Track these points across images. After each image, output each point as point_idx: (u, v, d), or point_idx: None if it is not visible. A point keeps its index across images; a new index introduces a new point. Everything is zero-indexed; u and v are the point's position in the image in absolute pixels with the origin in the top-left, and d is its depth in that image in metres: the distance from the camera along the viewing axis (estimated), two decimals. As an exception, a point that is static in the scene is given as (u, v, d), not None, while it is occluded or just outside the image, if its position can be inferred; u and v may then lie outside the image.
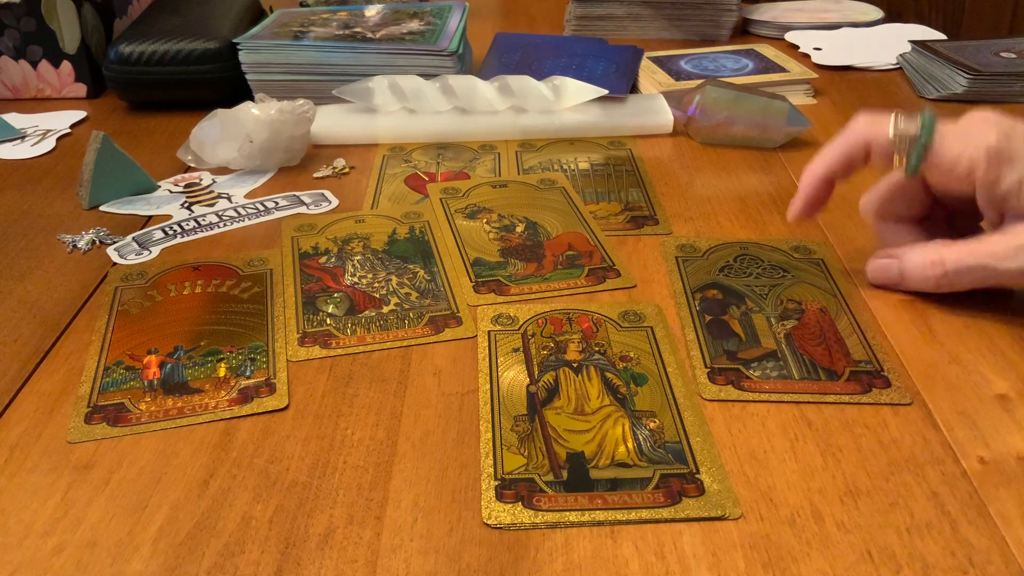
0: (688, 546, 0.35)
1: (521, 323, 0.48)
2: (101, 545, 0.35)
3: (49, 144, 0.75)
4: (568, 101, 0.73)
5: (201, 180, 0.67)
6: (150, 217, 0.62)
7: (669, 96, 0.77)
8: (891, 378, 0.44)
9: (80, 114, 0.81)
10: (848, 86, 0.86)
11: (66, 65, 0.84)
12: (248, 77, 0.78)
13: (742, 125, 0.70)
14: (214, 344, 0.47)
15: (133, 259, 0.56)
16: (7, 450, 0.40)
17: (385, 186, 0.65)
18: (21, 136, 0.76)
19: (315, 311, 0.50)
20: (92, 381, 0.45)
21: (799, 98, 0.81)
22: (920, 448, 0.39)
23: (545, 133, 0.73)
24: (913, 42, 0.89)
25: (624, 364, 0.45)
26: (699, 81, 0.77)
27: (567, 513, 0.36)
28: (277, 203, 0.63)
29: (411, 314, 0.49)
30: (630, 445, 0.39)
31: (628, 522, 0.36)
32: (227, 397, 0.43)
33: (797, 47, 0.95)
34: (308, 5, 1.04)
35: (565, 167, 0.68)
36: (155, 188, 0.66)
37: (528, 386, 0.43)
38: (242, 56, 0.77)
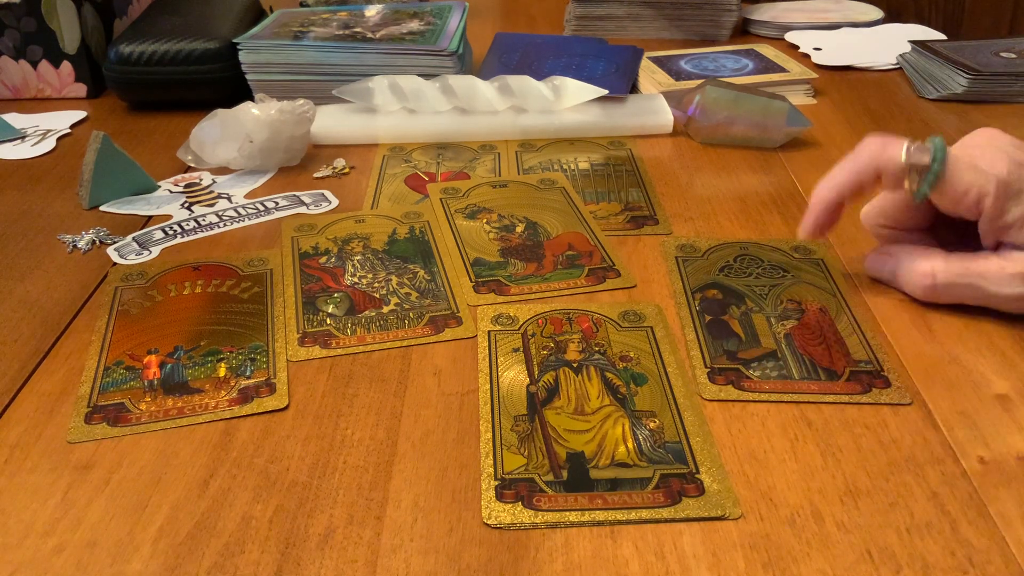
0: (688, 546, 0.35)
1: (521, 323, 0.48)
2: (101, 545, 0.35)
3: (49, 144, 0.75)
4: (568, 101, 0.73)
5: (201, 180, 0.67)
6: (150, 217, 0.62)
7: (669, 96, 0.77)
8: (891, 378, 0.44)
9: (80, 114, 0.81)
10: (848, 86, 0.86)
11: (66, 65, 0.84)
12: (248, 77, 0.78)
13: (742, 125, 0.70)
14: (214, 344, 0.47)
15: (133, 259, 0.56)
16: (7, 450, 0.40)
17: (385, 186, 0.65)
18: (21, 136, 0.76)
19: (315, 311, 0.50)
20: (92, 381, 0.45)
21: (799, 98, 0.81)
22: (920, 448, 0.39)
23: (545, 133, 0.73)
24: (913, 42, 0.89)
25: (624, 364, 0.45)
26: (699, 81, 0.77)
27: (567, 513, 0.36)
28: (277, 203, 0.63)
29: (411, 314, 0.49)
30: (630, 445, 0.39)
31: (628, 522, 0.36)
32: (227, 397, 0.43)
33: (797, 47, 0.95)
34: (308, 5, 1.04)
35: (565, 167, 0.68)
36: (155, 188, 0.66)
37: (528, 386, 0.43)
38: (242, 56, 0.77)
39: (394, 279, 0.53)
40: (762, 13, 1.03)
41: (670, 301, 0.50)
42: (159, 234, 0.59)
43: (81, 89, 0.85)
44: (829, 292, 0.51)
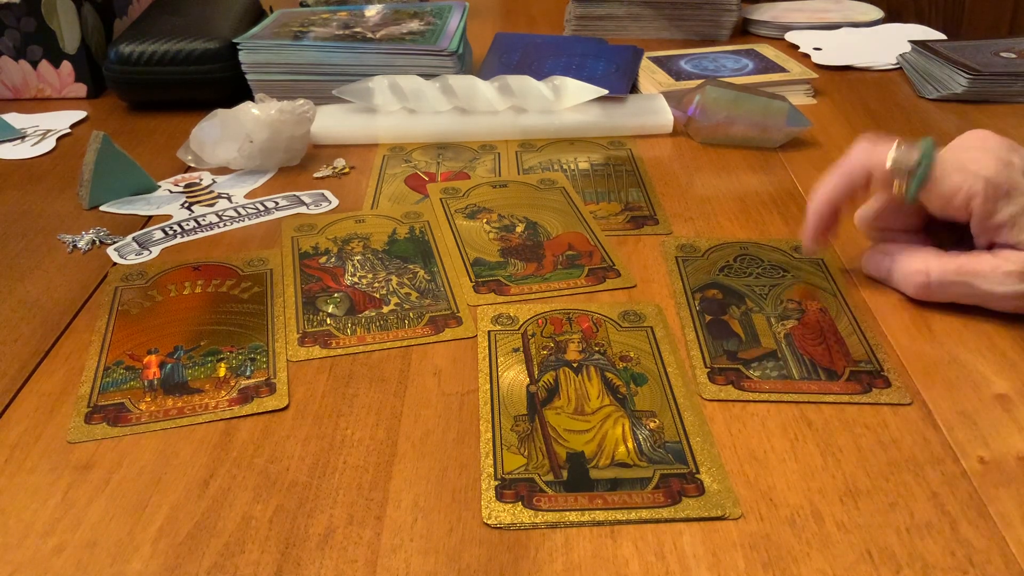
0: (688, 546, 0.35)
1: (521, 323, 0.48)
2: (101, 545, 0.35)
3: (49, 144, 0.75)
4: (568, 101, 0.73)
5: (201, 180, 0.67)
6: (150, 217, 0.62)
7: (669, 96, 0.77)
8: (891, 378, 0.44)
9: (80, 114, 0.81)
10: (848, 86, 0.86)
11: (66, 65, 0.84)
12: (248, 77, 0.78)
13: (742, 125, 0.70)
14: (214, 344, 0.47)
15: (133, 259, 0.56)
16: (7, 450, 0.40)
17: (385, 186, 0.65)
18: (21, 136, 0.76)
19: (315, 311, 0.50)
20: (92, 381, 0.45)
21: (799, 98, 0.81)
22: (920, 448, 0.39)
23: (545, 133, 0.73)
24: (913, 42, 0.89)
25: (624, 364, 0.45)
26: (699, 81, 0.77)
27: (567, 513, 0.36)
28: (277, 203, 0.63)
29: (411, 314, 0.49)
30: (630, 445, 0.39)
31: (628, 522, 0.36)
32: (227, 397, 0.43)
33: (797, 47, 0.95)
34: (308, 5, 1.04)
35: (565, 167, 0.68)
36: (155, 188, 0.66)
37: (528, 386, 0.43)
38: (242, 56, 0.77)
39: (394, 279, 0.53)
40: (762, 13, 1.03)
41: (670, 301, 0.50)
42: (159, 234, 0.59)
43: (81, 89, 0.85)
44: (829, 292, 0.51)
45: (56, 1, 0.81)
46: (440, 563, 0.34)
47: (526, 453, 0.39)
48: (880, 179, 0.48)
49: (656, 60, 0.87)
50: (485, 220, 0.59)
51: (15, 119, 0.80)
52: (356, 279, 0.53)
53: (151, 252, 0.57)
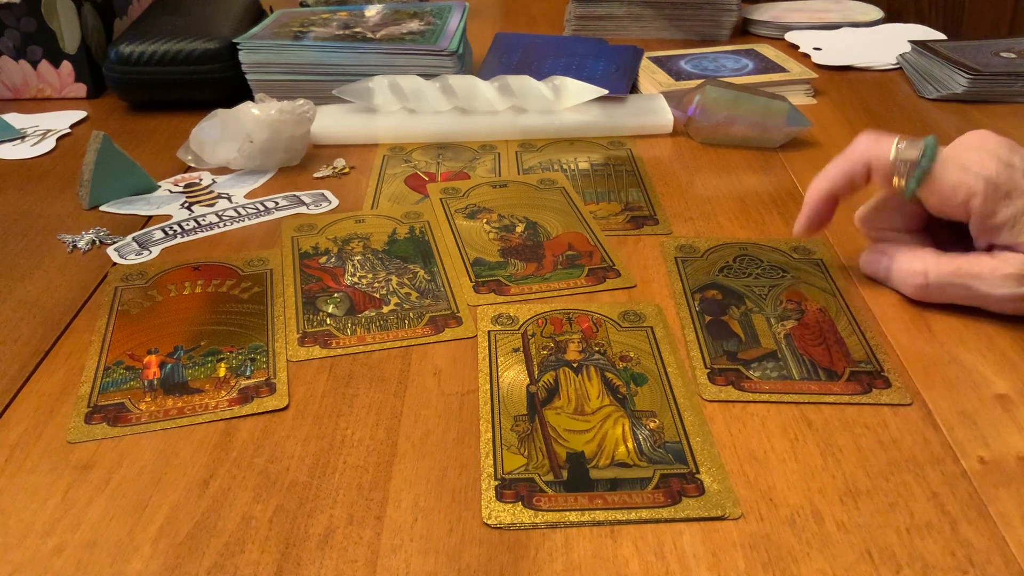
0: (688, 546, 0.35)
1: (521, 323, 0.48)
2: (101, 545, 0.35)
3: (49, 144, 0.75)
4: (568, 101, 0.73)
5: (201, 180, 0.67)
6: (150, 217, 0.62)
7: (669, 96, 0.77)
8: (891, 378, 0.44)
9: (80, 114, 0.81)
10: (848, 86, 0.86)
11: (66, 65, 0.84)
12: (248, 77, 0.78)
13: (742, 125, 0.70)
14: (214, 344, 0.47)
15: (133, 259, 0.56)
16: (7, 450, 0.40)
17: (385, 186, 0.65)
18: (21, 136, 0.76)
19: (315, 311, 0.50)
20: (92, 381, 0.45)
21: (799, 98, 0.81)
22: (920, 448, 0.39)
23: (545, 133, 0.73)
24: (913, 42, 0.89)
25: (624, 364, 0.45)
26: (699, 81, 0.77)
27: (567, 513, 0.36)
28: (277, 203, 0.63)
29: (411, 314, 0.49)
30: (630, 445, 0.39)
31: (628, 522, 0.36)
32: (227, 397, 0.43)
33: (797, 47, 0.95)
34: (308, 5, 1.04)
35: (565, 167, 0.68)
36: (155, 188, 0.66)
37: (528, 386, 0.43)
38: (242, 56, 0.77)
39: (394, 279, 0.53)
40: (762, 13, 1.03)
41: (670, 301, 0.50)
42: (159, 234, 0.59)
43: (81, 89, 0.85)
44: (829, 292, 0.51)
45: (56, 1, 0.81)
46: (440, 563, 0.34)
47: (526, 453, 0.39)
48: (880, 172, 0.48)
49: (656, 60, 0.87)
50: (485, 220, 0.59)
51: (15, 119, 0.80)
52: (356, 279, 0.53)
53: (151, 252, 0.57)
